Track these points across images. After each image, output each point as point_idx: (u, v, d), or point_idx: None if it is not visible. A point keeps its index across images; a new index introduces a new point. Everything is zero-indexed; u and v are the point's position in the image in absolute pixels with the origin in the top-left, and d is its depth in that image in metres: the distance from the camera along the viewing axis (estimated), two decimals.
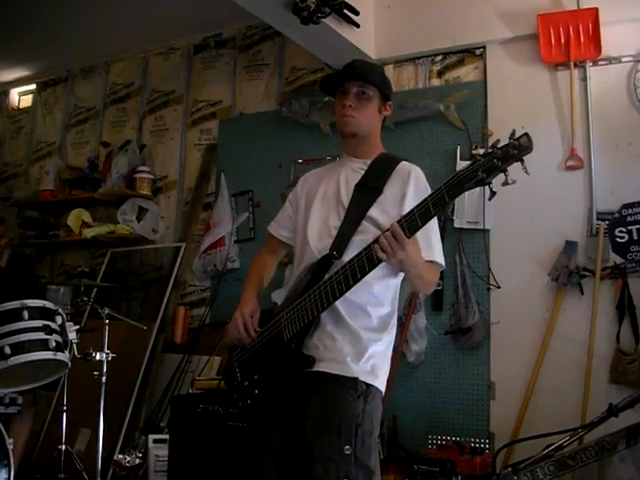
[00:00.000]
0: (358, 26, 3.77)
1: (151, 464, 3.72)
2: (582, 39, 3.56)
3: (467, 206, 3.74)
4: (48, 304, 3.06)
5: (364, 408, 1.95)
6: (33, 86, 5.95)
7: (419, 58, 4.12)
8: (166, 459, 3.51)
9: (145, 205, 4.88)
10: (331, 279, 1.92)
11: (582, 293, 3.48)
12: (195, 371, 4.22)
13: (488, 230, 3.74)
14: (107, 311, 3.66)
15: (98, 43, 5.13)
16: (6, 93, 6.12)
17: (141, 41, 5.09)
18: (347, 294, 1.92)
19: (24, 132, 5.94)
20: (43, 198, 5.23)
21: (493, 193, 1.72)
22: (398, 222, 1.80)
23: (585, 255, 3.51)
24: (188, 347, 4.40)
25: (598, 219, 3.50)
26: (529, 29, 3.71)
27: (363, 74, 2.14)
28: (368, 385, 1.98)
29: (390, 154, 2.22)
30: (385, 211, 2.04)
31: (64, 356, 2.99)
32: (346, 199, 2.11)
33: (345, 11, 3.61)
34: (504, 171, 1.67)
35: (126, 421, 4.08)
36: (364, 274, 1.86)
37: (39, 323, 2.93)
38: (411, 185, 2.06)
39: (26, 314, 2.90)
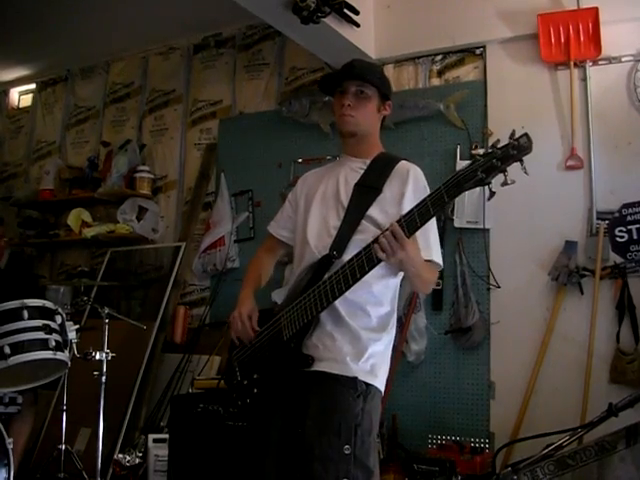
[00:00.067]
0: (358, 26, 3.77)
1: (151, 464, 3.72)
2: (582, 39, 3.56)
3: (467, 206, 3.74)
4: (48, 304, 3.06)
5: (363, 407, 1.95)
6: (33, 86, 5.95)
7: (419, 58, 4.12)
8: (166, 459, 3.50)
9: (145, 205, 4.88)
10: (330, 279, 1.92)
11: (582, 293, 3.48)
12: (195, 371, 4.22)
13: (488, 230, 3.74)
14: (107, 311, 3.66)
15: (98, 43, 5.12)
16: (6, 93, 6.11)
17: (141, 41, 5.09)
18: (347, 294, 1.92)
19: (24, 132, 5.94)
20: (43, 198, 5.23)
21: (492, 193, 1.72)
22: (397, 222, 1.80)
23: (585, 255, 3.51)
24: (188, 347, 4.40)
25: (598, 219, 3.50)
26: (529, 29, 3.71)
27: (362, 73, 2.14)
28: (367, 385, 1.98)
29: (389, 153, 2.22)
30: (384, 210, 2.04)
31: (64, 356, 3.00)
32: (345, 199, 2.11)
33: (345, 11, 3.61)
34: (503, 171, 1.67)
35: (126, 421, 4.08)
36: (363, 274, 1.86)
37: (39, 323, 2.94)
38: (410, 184, 2.06)
39: (26, 314, 2.90)
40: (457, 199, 3.57)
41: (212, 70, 4.93)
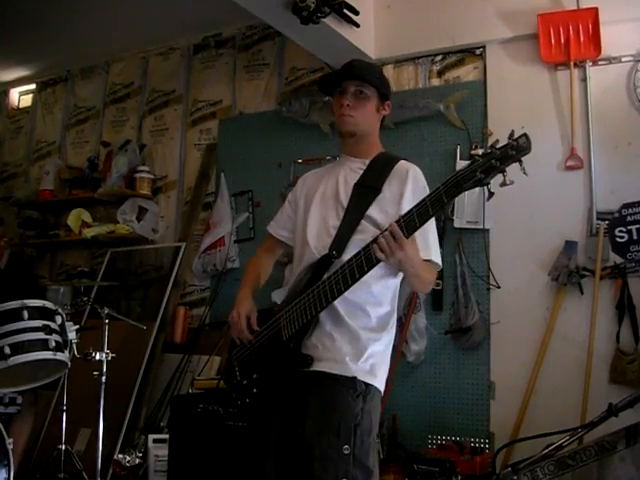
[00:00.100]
0: (358, 26, 3.77)
1: (151, 464, 3.72)
2: (582, 39, 3.56)
3: (467, 206, 3.74)
4: (48, 304, 3.06)
5: (363, 407, 1.95)
6: (33, 86, 5.95)
7: (419, 58, 4.12)
8: (166, 459, 3.50)
9: (145, 205, 4.88)
10: (330, 279, 1.92)
11: (582, 293, 3.48)
12: (195, 371, 4.22)
13: (488, 230, 3.74)
14: (107, 311, 3.66)
15: (98, 43, 5.12)
16: (6, 93, 6.11)
17: (141, 41, 5.09)
18: (346, 294, 1.92)
19: (24, 132, 5.94)
20: (43, 198, 5.23)
21: (491, 194, 1.72)
22: (397, 222, 1.80)
23: (585, 255, 3.51)
24: (188, 347, 4.40)
25: (598, 219, 3.50)
26: (529, 29, 3.71)
27: (361, 73, 2.14)
28: (367, 385, 1.98)
29: (389, 153, 2.22)
30: (384, 210, 2.05)
31: (64, 356, 3.00)
32: (345, 199, 2.11)
33: (345, 11, 3.61)
34: (502, 172, 1.67)
35: (126, 421, 4.08)
36: (362, 274, 1.86)
37: (39, 323, 2.94)
38: (409, 184, 2.06)
39: (26, 314, 2.91)
40: (457, 199, 3.58)
41: (212, 70, 4.93)
